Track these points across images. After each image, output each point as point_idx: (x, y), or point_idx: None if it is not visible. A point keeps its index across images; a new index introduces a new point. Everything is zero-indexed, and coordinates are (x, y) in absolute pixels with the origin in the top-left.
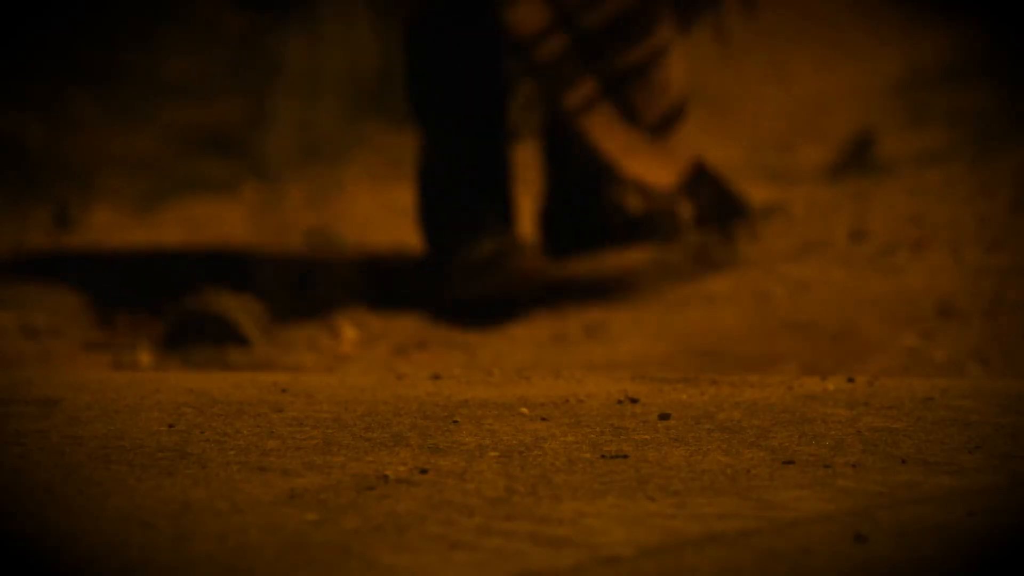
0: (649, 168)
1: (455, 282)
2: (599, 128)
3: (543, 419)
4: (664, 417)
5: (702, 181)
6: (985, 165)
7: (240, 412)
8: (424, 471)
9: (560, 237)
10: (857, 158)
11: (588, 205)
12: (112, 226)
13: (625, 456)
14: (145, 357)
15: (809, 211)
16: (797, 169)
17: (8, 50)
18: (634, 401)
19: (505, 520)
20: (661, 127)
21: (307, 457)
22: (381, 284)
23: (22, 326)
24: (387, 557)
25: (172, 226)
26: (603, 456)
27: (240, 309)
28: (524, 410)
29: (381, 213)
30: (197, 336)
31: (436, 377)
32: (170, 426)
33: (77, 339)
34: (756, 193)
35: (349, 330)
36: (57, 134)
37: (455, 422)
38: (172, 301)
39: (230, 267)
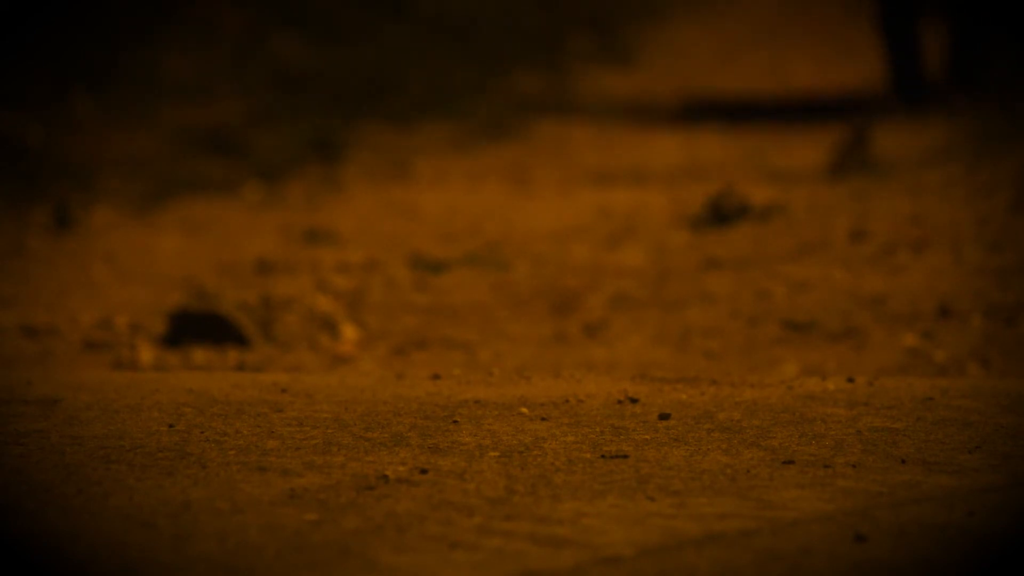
0: None
1: None
2: None
3: (543, 419)
4: (664, 417)
5: None
6: (985, 165)
7: (240, 412)
8: (424, 471)
9: None
10: (854, 157)
11: None
12: (112, 226)
13: (625, 456)
14: (145, 357)
15: (809, 211)
16: (797, 169)
17: (8, 50)
18: (634, 401)
19: (505, 520)
20: None
21: (307, 457)
22: None
23: (22, 326)
24: (387, 557)
25: (172, 226)
26: (603, 456)
27: (240, 309)
28: (524, 410)
29: (381, 212)
30: (197, 336)
31: (436, 377)
32: (170, 426)
33: (77, 339)
34: (756, 193)
35: (349, 330)
36: (57, 134)
37: (455, 422)
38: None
39: None
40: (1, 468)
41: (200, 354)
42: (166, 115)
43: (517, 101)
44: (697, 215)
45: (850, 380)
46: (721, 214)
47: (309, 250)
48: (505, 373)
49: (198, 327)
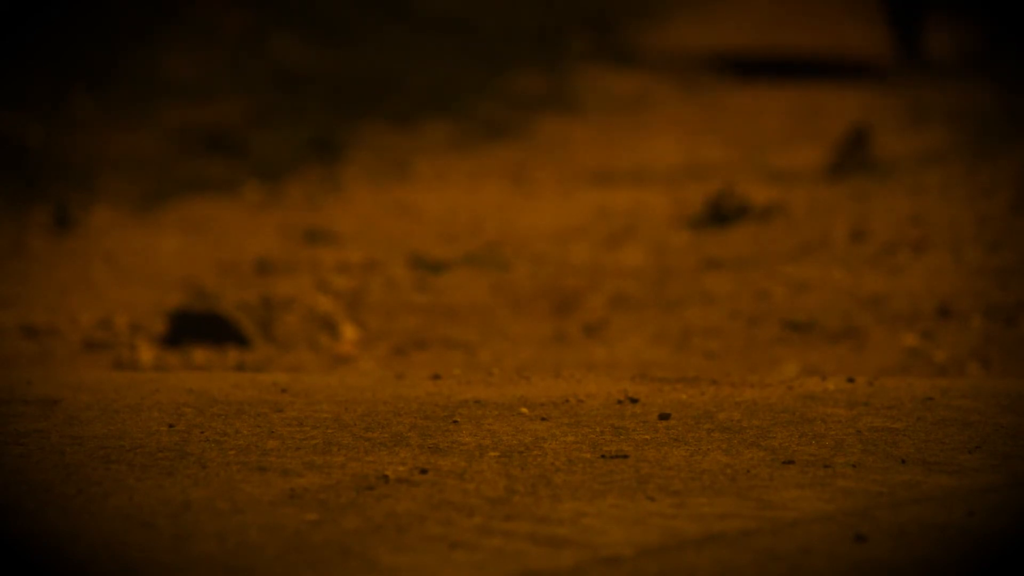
0: None
1: None
2: None
3: (543, 419)
4: (664, 417)
5: None
6: (985, 165)
7: (240, 412)
8: (424, 471)
9: None
10: (853, 157)
11: None
12: (112, 226)
13: (625, 456)
14: (145, 357)
15: (809, 211)
16: (797, 169)
17: (8, 50)
18: (634, 401)
19: (505, 520)
20: None
21: (307, 457)
22: None
23: (22, 326)
24: (387, 557)
25: (172, 226)
26: (603, 456)
27: (240, 309)
28: (524, 410)
29: (381, 212)
30: (197, 336)
31: (436, 377)
32: (170, 426)
33: (77, 339)
34: (756, 193)
35: (349, 330)
36: (57, 134)
37: (455, 422)
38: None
39: None
40: (1, 468)
41: (200, 354)
42: (166, 115)
43: (517, 101)
44: (697, 215)
45: (850, 380)
46: (721, 214)
47: (309, 250)
48: (505, 373)
49: (198, 327)
